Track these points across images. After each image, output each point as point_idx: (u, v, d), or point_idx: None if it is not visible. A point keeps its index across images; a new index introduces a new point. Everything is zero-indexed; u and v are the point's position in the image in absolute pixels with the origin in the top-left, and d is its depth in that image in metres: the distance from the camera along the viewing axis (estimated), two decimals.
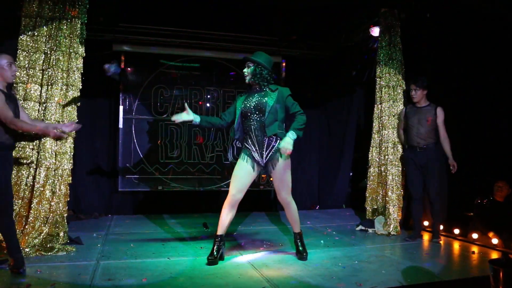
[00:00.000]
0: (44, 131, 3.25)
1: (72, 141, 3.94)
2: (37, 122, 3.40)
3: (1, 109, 2.98)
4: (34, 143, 3.76)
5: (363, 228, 4.86)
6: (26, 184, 3.73)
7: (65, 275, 3.07)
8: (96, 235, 4.41)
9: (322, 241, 4.29)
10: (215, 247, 3.44)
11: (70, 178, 3.94)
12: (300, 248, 3.66)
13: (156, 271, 3.18)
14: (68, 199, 3.95)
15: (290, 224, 3.77)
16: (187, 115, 3.45)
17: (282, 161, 3.45)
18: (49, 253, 3.54)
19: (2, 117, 2.99)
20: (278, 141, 3.43)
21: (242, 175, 3.46)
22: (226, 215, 3.46)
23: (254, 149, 3.46)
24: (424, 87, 4.37)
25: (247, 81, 3.55)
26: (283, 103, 3.46)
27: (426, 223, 4.82)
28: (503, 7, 4.05)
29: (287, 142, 3.30)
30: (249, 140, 3.48)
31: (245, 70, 3.54)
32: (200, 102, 6.36)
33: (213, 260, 3.38)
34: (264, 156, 3.46)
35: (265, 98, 3.44)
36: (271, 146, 3.45)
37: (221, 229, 3.47)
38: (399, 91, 4.79)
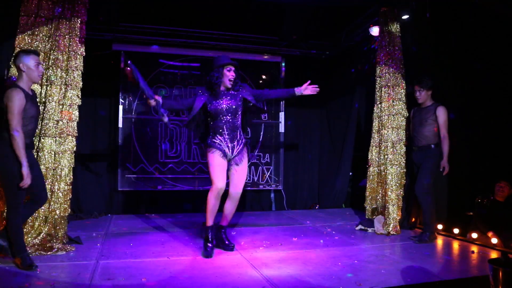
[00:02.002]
0: (23, 169, 3.05)
1: (73, 140, 3.92)
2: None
3: (14, 113, 2.99)
4: (34, 143, 3.75)
5: (362, 227, 4.85)
6: None
7: (64, 274, 3.07)
8: (96, 235, 4.41)
9: (321, 241, 4.29)
10: (212, 240, 3.68)
11: (68, 177, 3.92)
12: (226, 241, 3.81)
13: (155, 270, 3.18)
14: (68, 199, 3.93)
15: (223, 217, 3.84)
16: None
17: (246, 156, 3.77)
18: (49, 253, 3.53)
19: (9, 120, 3.00)
20: (243, 137, 3.80)
21: (223, 168, 3.69)
22: (216, 203, 3.64)
23: (225, 145, 3.70)
24: (429, 88, 4.35)
25: (231, 86, 3.73)
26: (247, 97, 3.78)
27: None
28: (503, 6, 4.04)
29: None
30: (219, 136, 3.70)
31: (234, 75, 3.72)
32: None
33: (210, 252, 3.59)
34: (235, 151, 3.73)
35: (235, 99, 3.74)
36: (241, 141, 3.76)
37: (212, 219, 3.68)
38: (399, 90, 4.79)
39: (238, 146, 3.74)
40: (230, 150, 3.71)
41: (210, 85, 3.75)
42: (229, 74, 3.69)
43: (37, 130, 3.76)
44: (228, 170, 3.77)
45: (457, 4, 4.41)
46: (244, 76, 6.45)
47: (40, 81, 3.81)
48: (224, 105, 3.70)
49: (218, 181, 3.58)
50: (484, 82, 4.58)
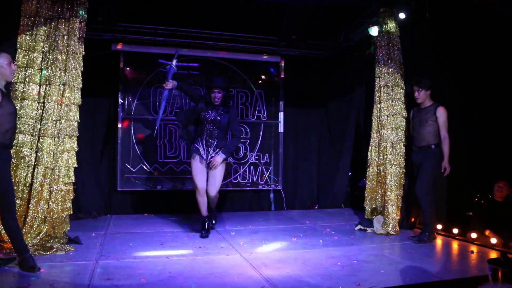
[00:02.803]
0: None
1: (72, 140, 3.92)
2: None
3: None
4: (33, 143, 3.75)
5: (362, 227, 4.86)
6: (24, 184, 3.71)
7: (64, 274, 3.07)
8: (95, 235, 4.40)
9: (321, 241, 4.29)
10: (205, 225, 4.44)
11: (67, 177, 3.91)
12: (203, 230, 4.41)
13: (155, 270, 3.18)
14: (67, 199, 3.92)
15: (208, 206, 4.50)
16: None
17: (221, 162, 4.39)
18: (48, 253, 3.53)
19: None
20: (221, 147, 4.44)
21: (201, 171, 4.42)
22: (202, 200, 4.43)
23: (202, 148, 4.43)
24: (427, 88, 4.35)
25: (218, 104, 4.39)
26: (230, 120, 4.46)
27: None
28: (503, 6, 4.04)
29: (218, 157, 4.37)
30: (200, 141, 4.45)
31: (217, 96, 4.36)
32: None
33: (205, 234, 4.39)
34: (209, 156, 4.42)
35: (221, 116, 4.39)
36: (218, 149, 4.42)
37: (205, 211, 4.47)
38: (398, 90, 4.79)
39: (212, 153, 4.41)
40: (205, 154, 4.42)
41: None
42: (212, 96, 4.39)
43: (36, 130, 3.77)
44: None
45: (457, 4, 4.41)
46: (243, 76, 6.46)
47: (39, 81, 3.82)
48: (211, 117, 4.40)
49: (199, 183, 4.38)
50: (484, 82, 4.58)
